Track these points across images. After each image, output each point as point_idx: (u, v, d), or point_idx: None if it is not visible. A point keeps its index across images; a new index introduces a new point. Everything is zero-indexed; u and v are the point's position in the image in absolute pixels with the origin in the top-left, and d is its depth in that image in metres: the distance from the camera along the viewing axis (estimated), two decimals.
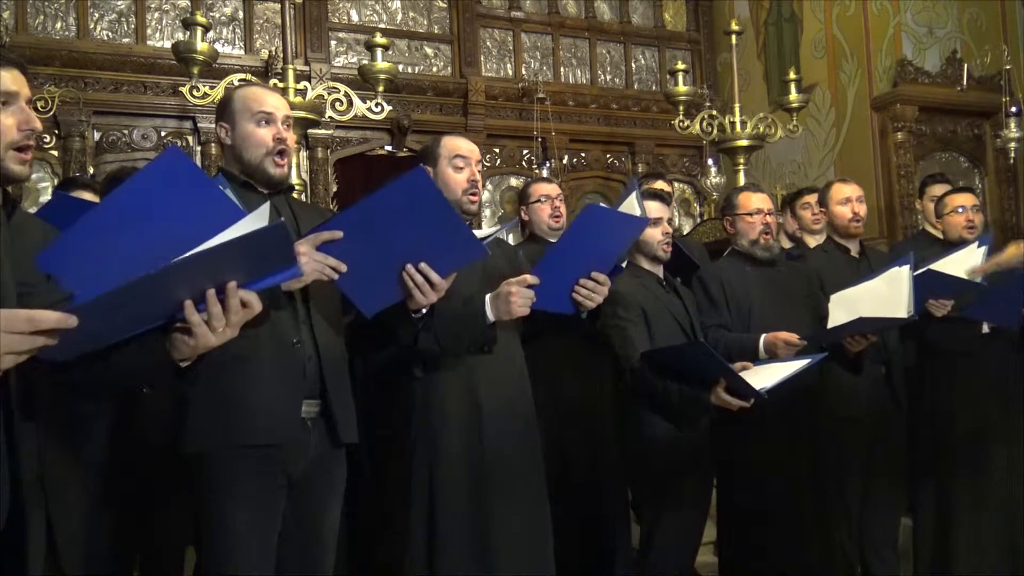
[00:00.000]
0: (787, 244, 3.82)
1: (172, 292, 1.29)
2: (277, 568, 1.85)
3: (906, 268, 2.61)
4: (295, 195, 3.45)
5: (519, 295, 2.01)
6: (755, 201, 2.95)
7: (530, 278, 2.02)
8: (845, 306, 2.69)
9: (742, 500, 2.77)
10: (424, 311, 1.98)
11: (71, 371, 1.32)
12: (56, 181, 5.37)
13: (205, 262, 1.27)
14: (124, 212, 1.32)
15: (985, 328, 3.05)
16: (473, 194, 2.24)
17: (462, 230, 1.89)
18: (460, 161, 2.23)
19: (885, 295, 2.61)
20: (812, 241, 3.61)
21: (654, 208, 2.70)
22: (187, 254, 1.26)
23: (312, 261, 1.74)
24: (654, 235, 2.69)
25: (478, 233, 2.21)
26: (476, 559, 2.09)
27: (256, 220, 1.35)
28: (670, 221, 2.82)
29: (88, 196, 2.72)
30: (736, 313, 2.84)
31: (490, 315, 2.05)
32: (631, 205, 2.33)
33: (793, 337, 2.64)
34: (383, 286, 1.88)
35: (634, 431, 2.65)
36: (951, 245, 3.17)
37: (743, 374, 2.40)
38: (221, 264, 1.30)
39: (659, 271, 2.75)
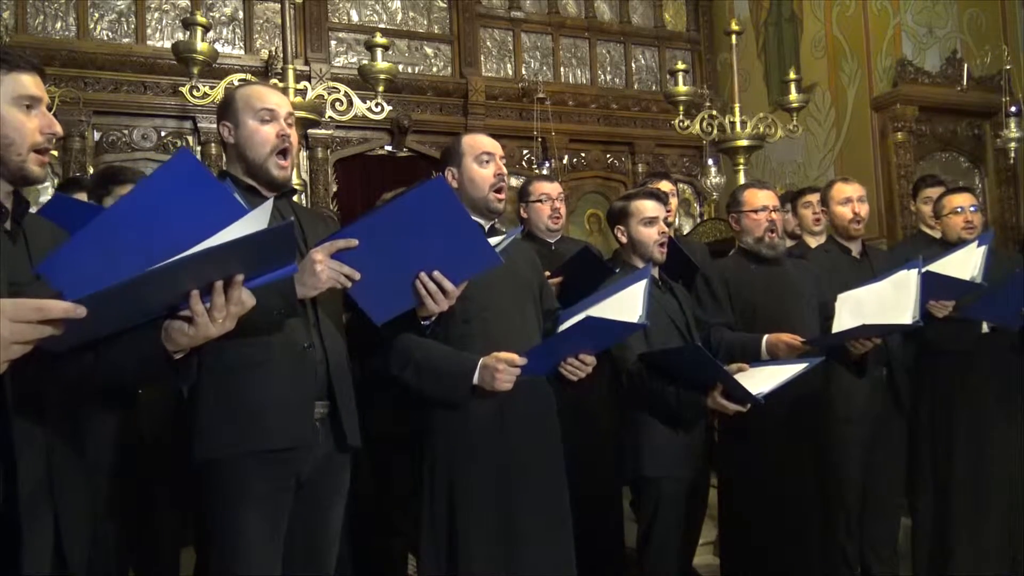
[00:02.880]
0: (788, 242, 3.81)
1: (180, 284, 1.31)
2: (282, 567, 1.86)
3: (914, 272, 2.59)
4: (295, 198, 3.45)
5: (505, 373, 2.01)
6: (761, 198, 2.93)
7: (519, 359, 2.02)
8: (851, 307, 2.68)
9: (743, 502, 2.77)
10: (433, 318, 1.99)
11: (64, 366, 1.32)
12: (56, 181, 5.37)
13: (215, 257, 1.29)
14: (132, 219, 1.31)
15: (984, 328, 3.04)
16: (499, 190, 2.24)
17: (479, 239, 1.90)
18: (485, 156, 2.24)
19: (891, 299, 2.60)
20: (813, 242, 3.60)
21: (650, 207, 2.69)
22: (199, 248, 1.28)
23: (328, 269, 1.76)
24: (650, 235, 2.68)
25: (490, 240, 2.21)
26: (499, 562, 2.08)
27: (259, 216, 1.36)
28: (668, 223, 2.81)
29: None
30: (740, 311, 2.84)
31: (475, 379, 2.05)
32: (635, 294, 2.27)
33: (795, 339, 2.64)
34: (395, 293, 1.88)
35: (631, 430, 2.65)
36: (950, 246, 3.15)
37: (740, 376, 2.39)
38: (229, 259, 1.32)
39: (655, 271, 2.75)
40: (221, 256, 1.30)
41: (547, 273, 2.90)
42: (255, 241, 1.30)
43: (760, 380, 2.36)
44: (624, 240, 2.74)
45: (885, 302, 2.60)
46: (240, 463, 1.79)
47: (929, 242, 3.41)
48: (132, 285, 1.19)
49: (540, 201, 3.32)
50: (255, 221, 1.35)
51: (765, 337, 2.68)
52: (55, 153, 5.39)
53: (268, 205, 1.40)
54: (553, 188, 3.38)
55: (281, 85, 4.36)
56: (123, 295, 1.21)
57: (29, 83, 1.47)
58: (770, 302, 2.83)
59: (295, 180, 4.14)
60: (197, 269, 1.29)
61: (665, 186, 3.62)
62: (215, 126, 2.00)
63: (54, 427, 1.48)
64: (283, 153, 1.93)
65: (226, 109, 1.96)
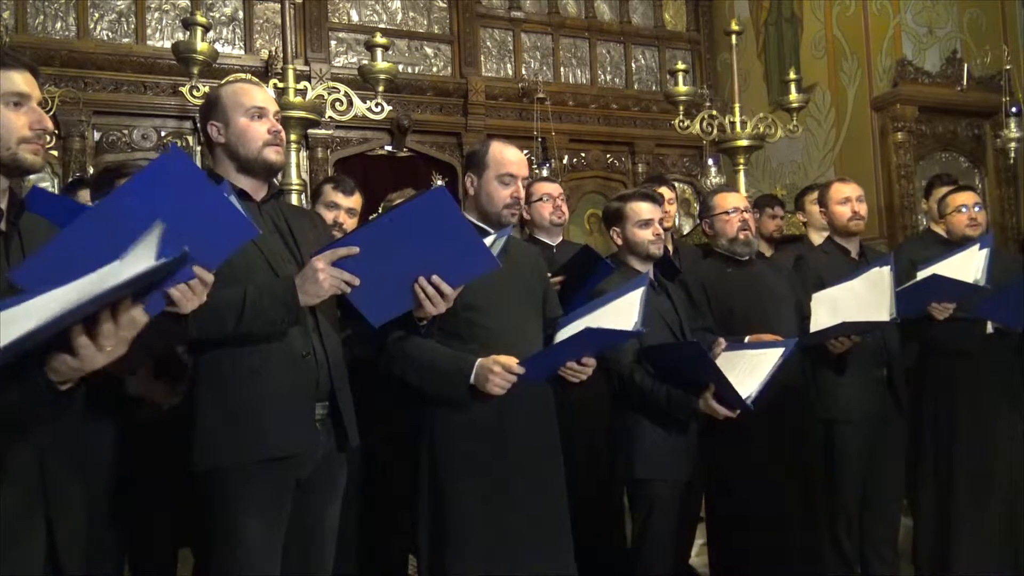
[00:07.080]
0: (765, 246, 3.89)
1: (61, 328, 1.16)
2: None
3: (887, 269, 2.61)
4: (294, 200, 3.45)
5: (499, 377, 2.01)
6: (731, 200, 2.99)
7: (516, 367, 2.02)
8: (827, 305, 2.70)
9: (725, 504, 2.78)
10: (429, 319, 2.00)
11: None
12: (56, 181, 5.37)
13: (102, 299, 1.16)
14: (114, 221, 1.24)
15: (990, 328, 3.04)
16: (514, 209, 2.25)
17: (478, 246, 1.91)
18: (508, 178, 2.24)
19: (867, 296, 2.62)
20: (817, 238, 3.61)
21: (645, 210, 2.69)
22: (86, 297, 1.13)
23: (330, 277, 1.77)
24: (645, 237, 2.68)
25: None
26: (492, 562, 2.08)
27: (149, 246, 1.22)
28: (666, 227, 2.81)
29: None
30: (719, 314, 2.86)
31: (472, 379, 2.05)
32: (632, 302, 2.29)
33: (776, 339, 2.65)
34: (393, 297, 1.89)
35: (623, 433, 2.65)
36: (955, 244, 3.15)
37: (720, 360, 2.41)
38: (116, 295, 1.19)
39: (650, 274, 2.75)
40: (109, 296, 1.16)
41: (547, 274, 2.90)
42: (142, 277, 1.18)
43: (741, 371, 2.39)
44: (619, 242, 2.74)
45: (861, 300, 2.62)
46: (241, 470, 1.80)
47: (937, 240, 3.41)
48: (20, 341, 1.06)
49: (542, 200, 3.33)
50: (145, 252, 1.20)
51: (747, 339, 2.70)
52: (55, 153, 5.40)
53: (154, 237, 1.22)
54: (554, 188, 3.41)
55: (281, 85, 4.36)
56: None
57: (18, 80, 1.47)
58: (748, 303, 2.87)
59: (295, 180, 4.14)
60: (77, 315, 1.15)
61: (666, 193, 3.61)
62: (204, 126, 2.00)
63: (46, 430, 1.46)
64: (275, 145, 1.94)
65: (213, 109, 1.95)
